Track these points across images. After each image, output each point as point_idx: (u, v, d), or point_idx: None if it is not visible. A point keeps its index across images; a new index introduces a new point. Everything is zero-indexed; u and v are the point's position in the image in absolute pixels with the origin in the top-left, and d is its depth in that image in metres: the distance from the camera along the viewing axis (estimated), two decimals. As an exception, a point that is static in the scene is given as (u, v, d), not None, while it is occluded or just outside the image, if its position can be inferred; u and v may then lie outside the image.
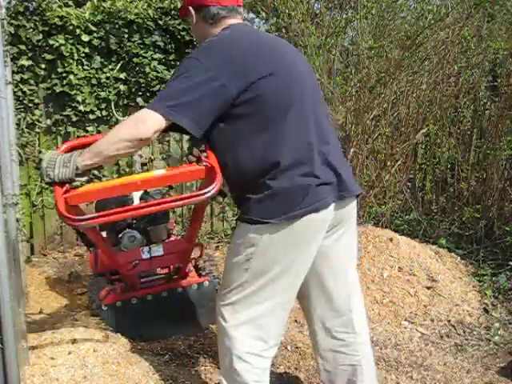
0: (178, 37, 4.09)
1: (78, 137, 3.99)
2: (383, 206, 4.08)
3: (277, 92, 1.70)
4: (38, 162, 1.69)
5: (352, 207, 1.90)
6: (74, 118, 3.93)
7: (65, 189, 1.70)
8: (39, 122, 3.85)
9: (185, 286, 2.78)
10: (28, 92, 3.76)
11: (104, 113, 4.00)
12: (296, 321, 2.98)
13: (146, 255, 2.59)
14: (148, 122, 1.62)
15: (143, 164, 4.26)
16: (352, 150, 4.04)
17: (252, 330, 1.81)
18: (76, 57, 3.84)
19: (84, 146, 1.75)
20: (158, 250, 2.61)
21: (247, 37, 1.80)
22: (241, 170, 1.73)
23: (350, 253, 1.97)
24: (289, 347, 2.67)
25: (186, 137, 4.40)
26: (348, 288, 1.94)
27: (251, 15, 4.26)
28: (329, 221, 1.77)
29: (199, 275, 3.00)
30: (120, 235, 2.80)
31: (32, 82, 3.77)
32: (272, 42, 1.87)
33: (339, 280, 1.91)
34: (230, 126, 1.71)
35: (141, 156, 4.21)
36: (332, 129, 1.96)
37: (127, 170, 4.18)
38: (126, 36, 3.95)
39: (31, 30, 3.67)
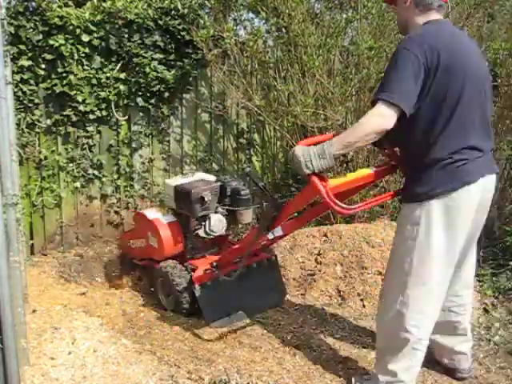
0: (178, 37, 4.08)
1: (78, 137, 3.99)
2: (383, 206, 4.08)
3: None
4: (291, 157, 2.06)
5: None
6: (74, 118, 3.92)
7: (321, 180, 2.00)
8: (39, 121, 3.85)
9: (258, 261, 3.12)
10: (28, 92, 3.75)
11: (104, 113, 4.00)
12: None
13: (270, 236, 2.80)
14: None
15: None
16: (352, 150, 4.03)
17: None
18: (76, 57, 3.83)
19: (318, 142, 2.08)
20: (278, 231, 2.81)
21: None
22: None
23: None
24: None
25: (185, 137, 4.41)
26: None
27: (251, 15, 4.26)
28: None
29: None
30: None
31: (32, 81, 3.76)
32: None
33: None
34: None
35: None
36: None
37: (127, 169, 4.19)
38: (126, 36, 3.95)
39: (31, 29, 3.66)
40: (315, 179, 2.01)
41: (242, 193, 3.15)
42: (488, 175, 2.09)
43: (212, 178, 3.35)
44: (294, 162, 2.03)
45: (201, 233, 3.11)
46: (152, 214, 3.38)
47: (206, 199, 3.05)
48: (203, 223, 3.10)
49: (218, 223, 3.09)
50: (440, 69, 1.93)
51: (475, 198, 2.05)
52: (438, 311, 2.19)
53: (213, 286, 2.95)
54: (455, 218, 2.03)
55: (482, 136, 2.08)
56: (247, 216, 3.20)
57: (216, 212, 3.13)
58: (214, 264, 2.95)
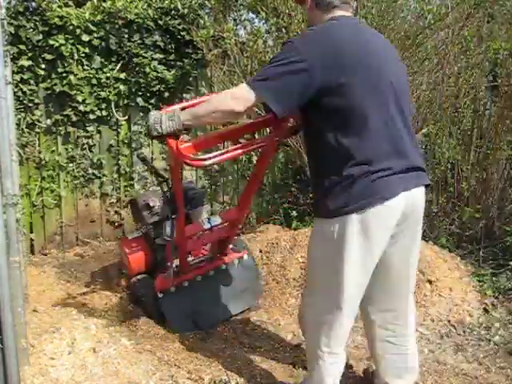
0: (178, 37, 4.09)
1: (78, 137, 4.00)
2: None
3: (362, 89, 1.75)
4: (146, 120, 1.93)
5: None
6: (74, 118, 3.93)
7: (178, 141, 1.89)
8: (39, 121, 3.86)
9: (227, 263, 3.00)
10: (28, 92, 3.76)
11: (104, 113, 4.01)
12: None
13: (206, 225, 2.77)
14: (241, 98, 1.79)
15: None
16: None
17: None
18: (76, 57, 3.84)
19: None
20: (216, 220, 2.79)
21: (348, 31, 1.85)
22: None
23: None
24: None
25: (186, 137, 4.39)
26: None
27: (251, 15, 4.25)
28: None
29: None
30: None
31: (32, 82, 3.77)
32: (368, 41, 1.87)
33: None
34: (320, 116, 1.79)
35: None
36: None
37: (127, 169, 4.19)
38: (126, 36, 3.95)
39: (31, 29, 3.67)
40: (169, 140, 1.90)
41: (189, 194, 3.12)
42: (414, 189, 1.84)
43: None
44: (147, 125, 1.92)
45: (158, 241, 3.09)
46: (129, 235, 3.44)
47: (151, 205, 3.09)
48: (160, 231, 3.07)
49: (172, 228, 2.98)
50: (344, 68, 1.72)
51: (396, 214, 1.80)
52: (348, 329, 2.00)
53: (177, 292, 2.85)
54: (372, 234, 1.78)
55: (409, 144, 1.85)
56: (199, 215, 3.16)
57: (168, 217, 3.05)
58: (175, 268, 2.83)
